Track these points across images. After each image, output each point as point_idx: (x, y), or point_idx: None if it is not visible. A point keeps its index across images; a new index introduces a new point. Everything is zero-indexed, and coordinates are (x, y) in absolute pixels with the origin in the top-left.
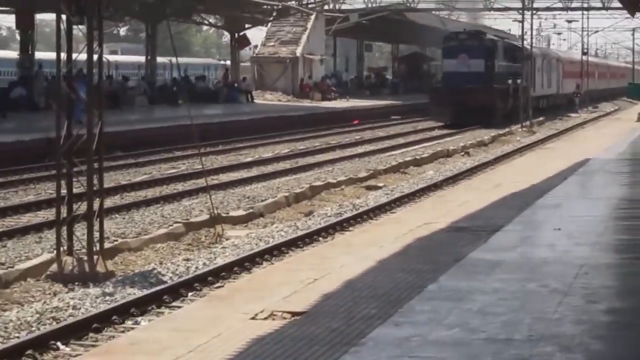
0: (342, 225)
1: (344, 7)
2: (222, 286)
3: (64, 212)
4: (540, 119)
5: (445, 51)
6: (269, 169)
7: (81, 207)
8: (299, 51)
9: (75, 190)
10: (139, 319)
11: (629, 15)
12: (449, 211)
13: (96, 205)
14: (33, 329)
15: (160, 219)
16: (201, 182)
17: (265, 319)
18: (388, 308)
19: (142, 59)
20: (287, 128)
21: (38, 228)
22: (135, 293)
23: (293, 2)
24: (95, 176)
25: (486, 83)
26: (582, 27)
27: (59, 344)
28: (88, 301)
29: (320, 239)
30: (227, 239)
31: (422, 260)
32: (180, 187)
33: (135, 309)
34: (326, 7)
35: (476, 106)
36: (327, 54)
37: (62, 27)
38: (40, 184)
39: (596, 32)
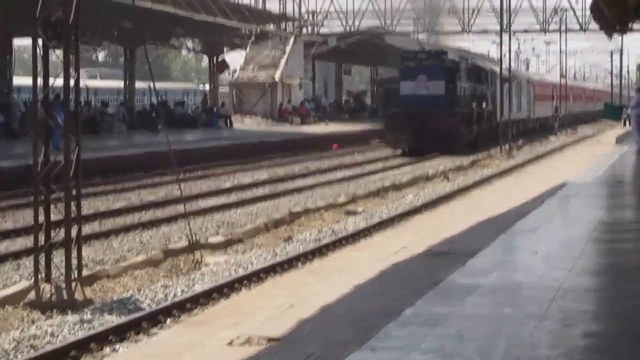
0: (320, 251)
1: (322, 31)
2: (200, 312)
3: (42, 239)
4: (519, 142)
5: (403, 72)
6: (248, 194)
7: (59, 234)
8: (277, 75)
9: (53, 217)
10: (117, 346)
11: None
12: (427, 236)
13: (74, 232)
14: (10, 357)
15: (138, 246)
16: (180, 209)
17: (242, 344)
18: (364, 333)
19: (121, 84)
20: (266, 153)
21: (16, 255)
22: (114, 320)
23: (271, 26)
24: (73, 203)
25: (447, 107)
26: (560, 49)
27: None
28: (66, 329)
29: (299, 264)
30: (206, 265)
31: (399, 285)
32: (159, 213)
33: (114, 336)
34: (304, 31)
35: (436, 132)
36: (306, 78)
37: (38, 52)
38: (18, 211)
39: (574, 54)
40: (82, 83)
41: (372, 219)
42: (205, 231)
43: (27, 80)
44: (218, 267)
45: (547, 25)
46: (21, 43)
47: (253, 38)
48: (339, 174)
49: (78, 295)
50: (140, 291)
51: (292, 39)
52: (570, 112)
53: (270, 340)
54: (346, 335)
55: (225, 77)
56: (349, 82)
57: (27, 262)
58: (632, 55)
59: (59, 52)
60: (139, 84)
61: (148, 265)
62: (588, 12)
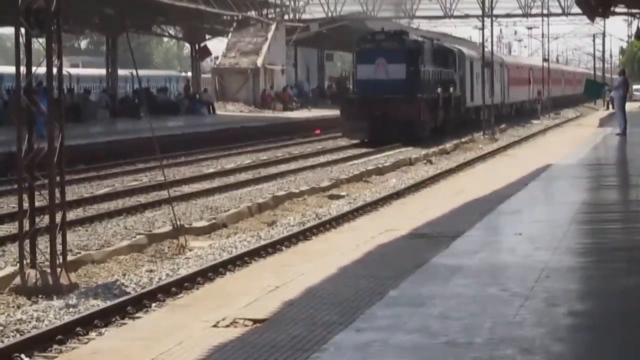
0: (304, 235)
1: (304, 17)
2: (185, 296)
3: (26, 225)
4: (502, 126)
5: (360, 55)
6: (232, 179)
7: (44, 220)
8: (259, 62)
9: (37, 204)
10: (102, 330)
11: (589, 21)
12: (410, 218)
13: (58, 218)
14: None
15: (123, 231)
16: (164, 194)
17: (227, 326)
18: (349, 314)
19: (103, 71)
20: (249, 139)
21: (1, 241)
22: (99, 304)
23: (253, 13)
24: (57, 189)
25: (409, 92)
26: (543, 34)
27: (22, 356)
28: (52, 313)
29: (283, 248)
30: (190, 250)
31: (383, 267)
32: (142, 199)
33: (99, 320)
34: (286, 17)
35: (397, 120)
36: (288, 64)
37: (21, 40)
38: (2, 197)
39: (557, 38)
40: (64, 71)
41: (355, 202)
42: (190, 216)
43: (9, 69)
44: (202, 251)
45: (529, 10)
46: (2, 31)
47: (235, 25)
48: (322, 159)
49: (63, 280)
50: (125, 276)
51: (274, 25)
52: (549, 95)
53: (255, 322)
54: (331, 316)
55: (207, 64)
56: (331, 68)
57: (12, 248)
58: (615, 39)
59: (41, 40)
60: (121, 72)
61: (133, 250)
62: None
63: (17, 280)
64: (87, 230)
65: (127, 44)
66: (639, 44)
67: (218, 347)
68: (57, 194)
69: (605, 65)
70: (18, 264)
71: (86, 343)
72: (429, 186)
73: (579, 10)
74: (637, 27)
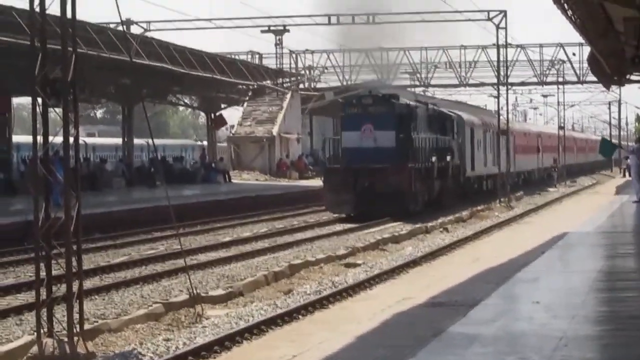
0: (321, 303)
1: (319, 85)
2: None
3: (43, 294)
4: (519, 193)
5: (346, 121)
6: (248, 248)
7: (61, 289)
8: (275, 130)
9: (54, 273)
10: None
11: (604, 89)
12: (427, 286)
13: (75, 287)
14: None
15: (139, 300)
16: (180, 262)
17: None
18: None
19: (119, 140)
20: (264, 207)
21: (18, 310)
22: None
23: (268, 82)
24: (74, 258)
25: (399, 161)
26: (558, 101)
27: None
28: None
29: (300, 316)
30: (207, 319)
31: (400, 336)
32: (159, 267)
33: None
34: (301, 86)
35: (386, 192)
36: (303, 133)
37: (38, 110)
38: (20, 266)
39: (572, 105)
40: (81, 140)
41: (372, 270)
42: (206, 285)
43: (26, 138)
44: (219, 320)
45: (544, 78)
46: (20, 101)
47: (250, 94)
48: (338, 227)
49: (80, 349)
50: (142, 344)
51: (289, 94)
52: (564, 163)
53: None
54: None
55: (223, 132)
56: None
57: (29, 317)
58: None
59: (58, 110)
60: (137, 141)
61: (149, 319)
62: (585, 64)
63: (35, 349)
64: (103, 299)
65: (143, 113)
66: None
67: None
68: (74, 263)
69: (621, 133)
70: (35, 333)
71: None
72: (446, 254)
73: (594, 79)
74: None
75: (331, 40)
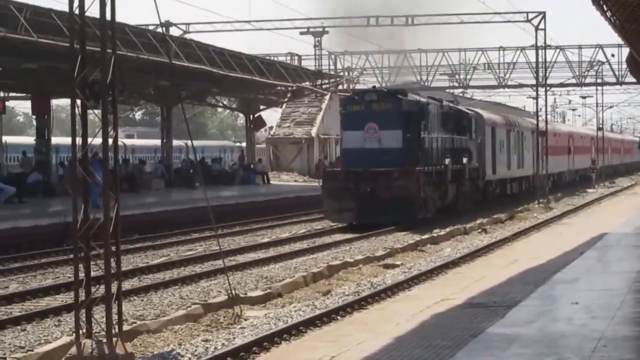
0: (359, 304)
1: (357, 87)
2: None
3: (82, 295)
4: (558, 194)
5: (346, 119)
6: (286, 249)
7: (99, 290)
8: (314, 131)
9: (93, 274)
10: None
11: None
12: (465, 287)
13: (114, 288)
14: None
15: (178, 301)
16: (219, 264)
17: None
18: None
19: (157, 142)
20: (303, 208)
21: (57, 312)
22: None
23: (307, 83)
24: (113, 259)
25: (406, 164)
26: (597, 103)
27: None
28: None
29: (338, 317)
30: (245, 320)
31: (439, 337)
32: (197, 268)
33: None
34: (340, 87)
35: (391, 198)
36: None
37: (77, 111)
38: (58, 268)
39: (611, 107)
40: (119, 141)
41: (410, 272)
42: (245, 286)
43: (64, 140)
44: (258, 321)
45: (583, 79)
46: (59, 103)
47: (289, 95)
48: (376, 228)
49: (119, 350)
50: (181, 345)
51: (327, 96)
52: (602, 164)
53: None
54: None
55: (261, 133)
56: None
57: (68, 318)
58: None
59: (97, 111)
60: (176, 142)
61: (188, 319)
62: (624, 66)
63: (73, 350)
64: (142, 300)
65: (182, 115)
66: None
67: None
68: (113, 264)
69: None
70: (74, 334)
71: None
72: (484, 255)
73: (633, 80)
74: None
75: (370, 42)
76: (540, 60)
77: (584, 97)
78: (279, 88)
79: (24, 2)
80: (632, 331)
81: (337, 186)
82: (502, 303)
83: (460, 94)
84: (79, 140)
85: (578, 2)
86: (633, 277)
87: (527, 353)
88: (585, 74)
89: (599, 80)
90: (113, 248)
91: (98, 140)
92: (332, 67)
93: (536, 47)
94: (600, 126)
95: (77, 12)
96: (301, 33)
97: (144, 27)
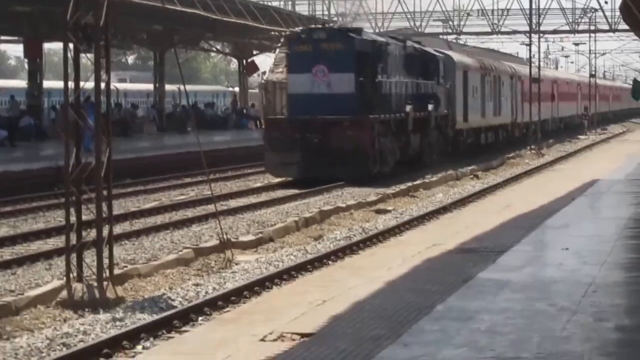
0: (351, 249)
1: None
2: (232, 310)
3: (73, 239)
4: (550, 141)
5: (292, 61)
6: (278, 194)
7: (91, 234)
8: None
9: (84, 218)
10: (148, 343)
11: (636, 37)
12: (457, 233)
13: (105, 232)
14: (43, 355)
15: (169, 245)
16: (210, 208)
17: (275, 340)
18: (397, 329)
19: (150, 86)
20: None
21: (48, 255)
22: (145, 318)
23: (300, 28)
24: (105, 203)
25: (359, 112)
26: (590, 50)
27: None
28: (98, 327)
29: (330, 262)
30: (236, 264)
31: (430, 281)
32: (189, 213)
33: (146, 334)
34: None
35: (342, 150)
36: None
37: (69, 55)
38: (50, 211)
39: (604, 54)
40: (112, 86)
41: (402, 217)
42: (236, 230)
43: (56, 84)
44: (249, 265)
45: (576, 26)
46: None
47: (283, 40)
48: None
49: (110, 294)
50: (172, 289)
51: None
52: (575, 113)
53: (302, 336)
54: (379, 330)
55: (254, 78)
56: None
57: (59, 262)
58: None
59: (89, 55)
60: (168, 87)
61: (179, 264)
62: (617, 12)
63: (64, 294)
64: (133, 244)
65: (175, 59)
66: None
67: None
68: (105, 208)
69: None
70: (65, 278)
71: (133, 357)
72: (476, 201)
73: (626, 27)
74: None
75: None
76: (533, 6)
77: (577, 44)
78: (273, 33)
79: None
80: (622, 277)
81: (280, 136)
82: (493, 248)
83: (454, 40)
84: (71, 84)
85: None
86: (623, 224)
87: (518, 298)
88: (579, 20)
89: (592, 27)
90: (105, 192)
91: (90, 84)
92: (325, 12)
93: None
94: (593, 73)
95: None
96: None
97: None
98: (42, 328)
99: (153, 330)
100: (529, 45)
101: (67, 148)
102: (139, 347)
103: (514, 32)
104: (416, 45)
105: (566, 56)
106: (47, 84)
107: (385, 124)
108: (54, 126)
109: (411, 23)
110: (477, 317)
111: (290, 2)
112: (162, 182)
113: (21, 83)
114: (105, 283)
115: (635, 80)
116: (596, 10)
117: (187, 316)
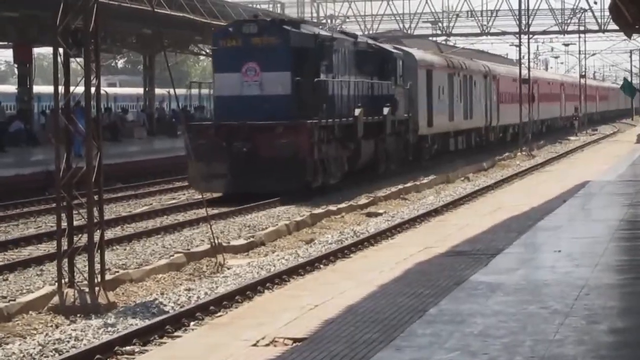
0: (343, 252)
1: None
2: (224, 315)
3: (64, 244)
4: (540, 142)
5: (219, 58)
6: (269, 197)
7: (82, 239)
8: None
9: (75, 223)
10: (141, 349)
11: (626, 38)
12: (448, 235)
13: (97, 237)
14: None
15: (161, 250)
16: (201, 212)
17: (267, 345)
18: (389, 332)
19: (140, 90)
20: None
21: (39, 261)
22: (137, 323)
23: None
24: (96, 208)
25: (296, 116)
26: (580, 50)
27: None
28: (90, 332)
29: (322, 266)
30: (228, 268)
31: (422, 285)
32: (180, 217)
33: (138, 339)
34: None
35: (275, 160)
36: None
37: (59, 60)
38: (41, 217)
39: (593, 54)
40: (102, 90)
41: (393, 220)
42: (228, 234)
43: (46, 89)
44: (241, 269)
45: (565, 27)
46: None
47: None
48: (360, 177)
49: (101, 299)
50: (164, 294)
51: None
52: (563, 115)
53: (295, 340)
54: (372, 334)
55: None
56: None
57: (50, 268)
58: None
59: (79, 60)
60: (158, 90)
61: (171, 268)
62: (607, 13)
63: (56, 299)
64: (125, 249)
65: (165, 63)
66: None
67: None
68: (96, 213)
69: None
70: (56, 283)
71: None
72: (467, 203)
73: (615, 27)
74: None
75: None
76: (523, 7)
77: (566, 45)
78: None
79: None
80: (615, 279)
81: (205, 144)
82: (485, 251)
83: (443, 42)
84: (61, 88)
85: None
86: (616, 225)
87: (510, 301)
88: (568, 21)
89: (582, 28)
90: (95, 197)
91: (80, 89)
92: (314, 14)
93: None
94: (583, 73)
95: None
96: None
97: None
98: (34, 334)
99: (145, 336)
100: (519, 46)
101: (57, 153)
102: (131, 353)
103: (504, 33)
104: (370, 41)
105: (556, 57)
106: (36, 88)
107: (328, 129)
108: (44, 131)
109: (400, 25)
110: (470, 320)
111: (279, 5)
112: (153, 187)
113: (9, 88)
114: (97, 288)
115: (625, 80)
116: (585, 10)
117: (179, 321)
